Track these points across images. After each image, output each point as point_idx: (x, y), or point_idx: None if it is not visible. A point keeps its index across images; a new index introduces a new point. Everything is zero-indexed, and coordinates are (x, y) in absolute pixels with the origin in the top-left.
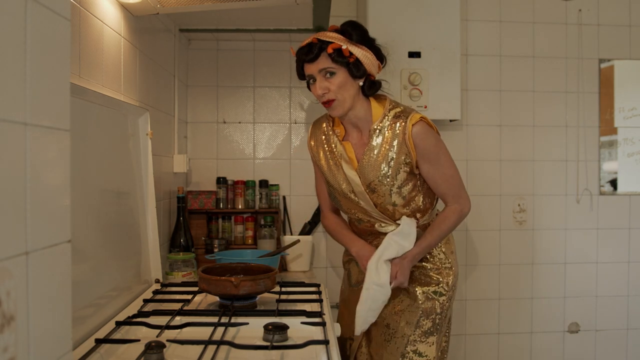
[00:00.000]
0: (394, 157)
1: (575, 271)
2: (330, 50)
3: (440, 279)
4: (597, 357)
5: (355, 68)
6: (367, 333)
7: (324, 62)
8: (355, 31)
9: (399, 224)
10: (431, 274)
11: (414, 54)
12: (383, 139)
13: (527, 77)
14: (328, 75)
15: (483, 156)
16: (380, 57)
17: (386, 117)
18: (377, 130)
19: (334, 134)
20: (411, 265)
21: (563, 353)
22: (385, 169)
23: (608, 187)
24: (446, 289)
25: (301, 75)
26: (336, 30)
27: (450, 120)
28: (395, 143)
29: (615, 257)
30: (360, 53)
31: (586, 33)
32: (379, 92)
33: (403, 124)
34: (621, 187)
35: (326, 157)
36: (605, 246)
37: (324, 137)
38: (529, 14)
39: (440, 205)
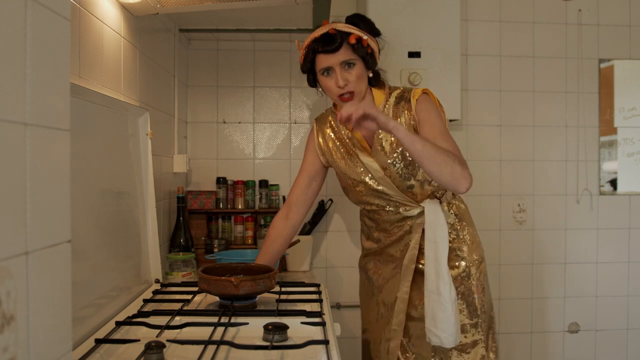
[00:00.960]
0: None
1: (575, 271)
2: (352, 40)
3: (467, 257)
4: (597, 357)
5: (371, 59)
6: (405, 330)
7: (345, 53)
8: (364, 23)
9: (423, 207)
10: (458, 252)
11: (414, 54)
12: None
13: (527, 77)
14: (347, 67)
15: (483, 156)
16: (380, 50)
17: (388, 101)
18: (382, 112)
19: (344, 126)
20: (383, 118)
21: (563, 353)
22: (398, 149)
23: (608, 187)
24: (474, 264)
25: (308, 68)
26: (346, 22)
27: (450, 120)
28: (402, 118)
29: (615, 257)
30: (374, 44)
31: (586, 33)
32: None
33: (408, 99)
34: (621, 187)
35: (339, 150)
36: (605, 246)
37: (331, 131)
38: (529, 14)
39: None
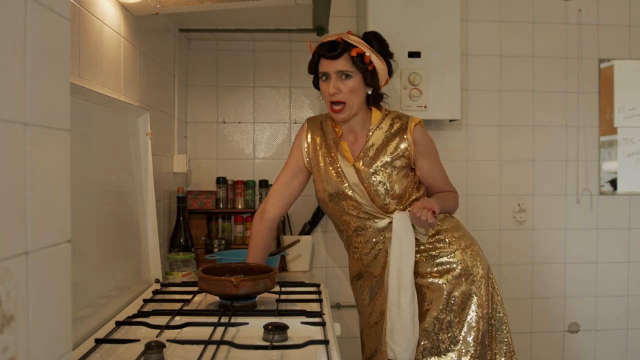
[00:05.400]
0: (392, 153)
1: (575, 271)
2: (353, 53)
3: (456, 261)
4: (597, 357)
5: (371, 76)
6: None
7: (344, 63)
8: (378, 42)
9: (391, 217)
10: (444, 258)
11: (414, 54)
12: (381, 138)
13: (527, 77)
14: (344, 77)
15: (483, 156)
16: (390, 72)
17: (384, 120)
18: (375, 130)
19: (334, 131)
20: (437, 205)
21: (563, 353)
22: (382, 164)
23: (608, 187)
24: (468, 266)
25: (313, 69)
26: (358, 36)
27: (450, 120)
28: (394, 140)
29: (615, 257)
30: (378, 64)
31: (586, 33)
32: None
33: (405, 122)
34: (621, 187)
35: (322, 153)
36: (605, 246)
37: (320, 134)
38: (529, 14)
39: None
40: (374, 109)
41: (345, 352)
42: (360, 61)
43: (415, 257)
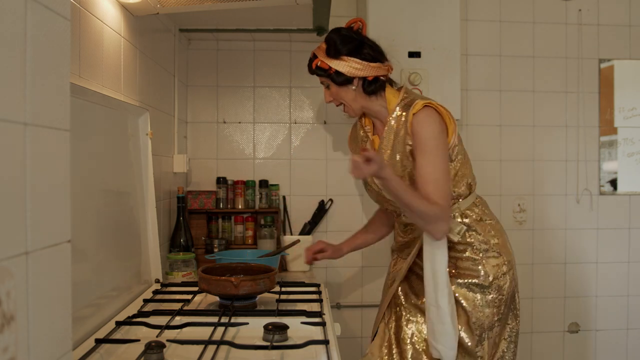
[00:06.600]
0: (400, 147)
1: (575, 271)
2: (313, 66)
3: (480, 270)
4: (597, 357)
5: (337, 77)
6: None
7: (317, 76)
8: (331, 41)
9: None
10: (467, 264)
11: (414, 54)
12: (392, 130)
13: (527, 77)
14: (325, 87)
15: (483, 156)
16: (374, 57)
17: (398, 108)
18: (390, 122)
19: (364, 130)
20: (384, 169)
21: (563, 353)
22: (397, 158)
23: (608, 187)
24: (490, 280)
25: None
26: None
27: None
28: (401, 133)
29: (615, 257)
30: (336, 63)
31: (586, 33)
32: (398, 83)
33: (407, 113)
34: (621, 187)
35: (357, 151)
36: (605, 246)
37: (356, 133)
38: (529, 14)
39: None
40: (392, 94)
41: (345, 352)
42: (319, 70)
43: (454, 254)
